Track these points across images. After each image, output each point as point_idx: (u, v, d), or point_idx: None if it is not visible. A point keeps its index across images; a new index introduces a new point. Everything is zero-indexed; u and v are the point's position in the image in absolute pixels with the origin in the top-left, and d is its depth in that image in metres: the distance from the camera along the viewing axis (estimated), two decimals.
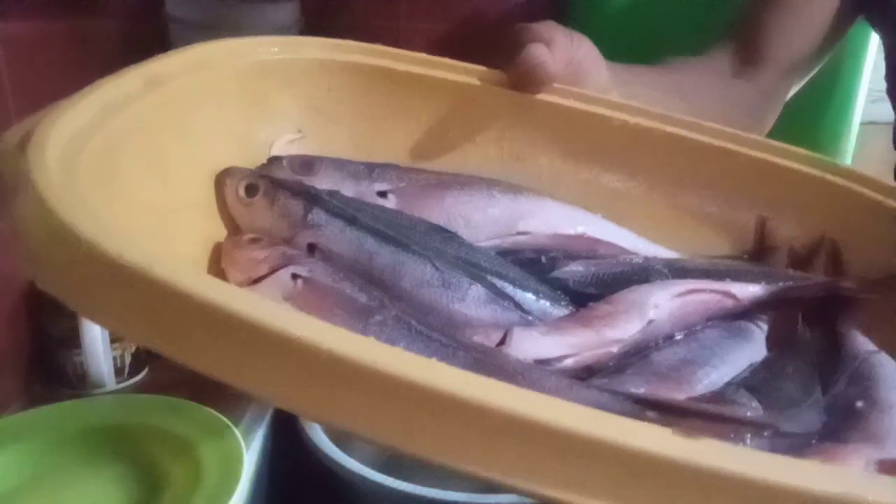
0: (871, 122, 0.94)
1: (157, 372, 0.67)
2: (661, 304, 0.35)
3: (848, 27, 0.69)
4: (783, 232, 0.44)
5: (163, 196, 0.33)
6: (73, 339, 0.63)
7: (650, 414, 0.25)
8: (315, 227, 0.35)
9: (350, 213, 0.35)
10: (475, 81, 0.43)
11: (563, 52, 0.42)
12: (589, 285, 0.37)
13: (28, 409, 0.56)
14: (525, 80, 0.41)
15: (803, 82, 0.71)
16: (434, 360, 0.21)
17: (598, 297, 0.36)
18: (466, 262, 0.35)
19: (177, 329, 0.22)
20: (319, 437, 0.56)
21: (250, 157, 0.39)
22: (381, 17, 0.91)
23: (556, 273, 0.38)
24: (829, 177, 0.43)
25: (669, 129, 0.44)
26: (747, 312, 0.38)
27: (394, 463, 0.54)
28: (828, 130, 0.91)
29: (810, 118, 0.88)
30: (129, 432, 0.53)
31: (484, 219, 0.39)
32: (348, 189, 0.38)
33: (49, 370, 0.65)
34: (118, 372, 0.65)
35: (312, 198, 0.36)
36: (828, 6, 0.66)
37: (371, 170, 0.40)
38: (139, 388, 0.66)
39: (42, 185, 0.23)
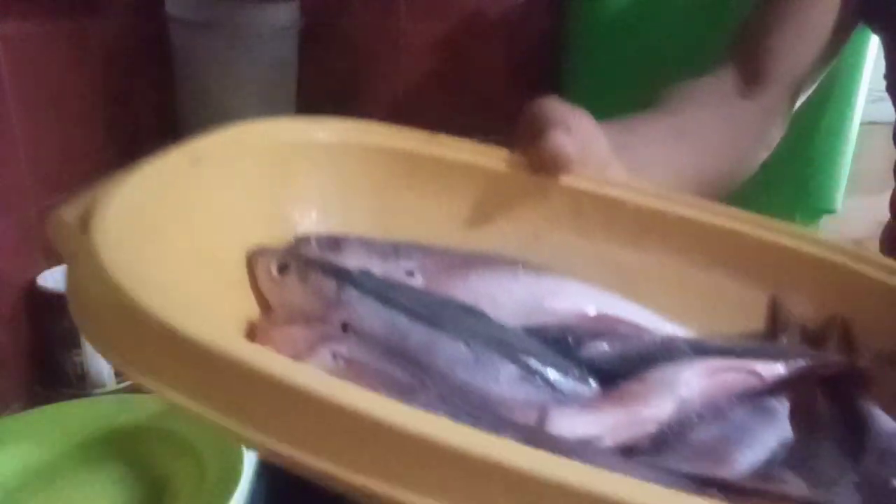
0: (871, 122, 0.95)
1: None
2: (691, 382, 0.35)
3: (849, 35, 0.68)
4: (794, 311, 0.45)
5: (198, 274, 0.33)
6: (73, 339, 0.62)
7: (712, 492, 0.25)
8: (347, 305, 0.35)
9: (382, 292, 0.36)
10: (495, 164, 0.44)
11: (576, 133, 0.44)
12: (615, 364, 0.38)
13: (28, 409, 0.55)
14: (548, 165, 0.42)
15: (806, 95, 0.69)
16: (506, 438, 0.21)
17: (625, 377, 0.37)
18: (497, 341, 0.36)
19: (237, 401, 0.23)
20: None
21: (278, 235, 0.39)
22: (381, 16, 0.92)
23: (583, 352, 0.38)
24: (837, 258, 0.44)
25: (679, 210, 0.45)
26: (769, 390, 0.38)
27: None
28: (828, 130, 0.92)
29: (810, 118, 0.88)
30: (129, 432, 0.53)
31: (509, 298, 0.40)
32: (376, 267, 0.39)
33: (49, 370, 0.64)
34: (118, 372, 0.64)
35: (344, 276, 0.36)
36: (829, 17, 0.64)
37: (397, 248, 0.40)
38: (139, 388, 0.65)
39: (109, 263, 0.24)
